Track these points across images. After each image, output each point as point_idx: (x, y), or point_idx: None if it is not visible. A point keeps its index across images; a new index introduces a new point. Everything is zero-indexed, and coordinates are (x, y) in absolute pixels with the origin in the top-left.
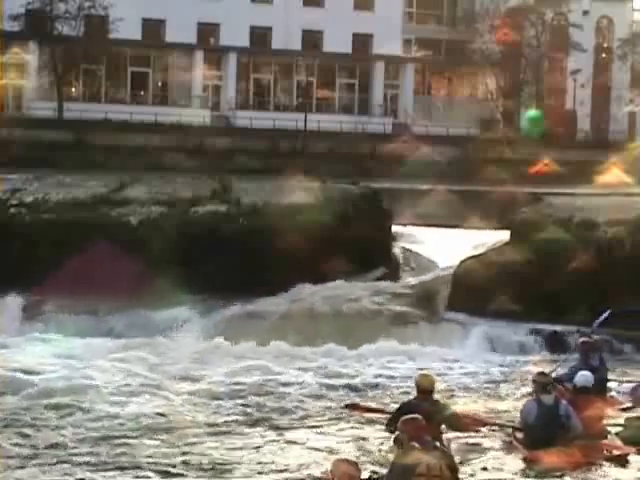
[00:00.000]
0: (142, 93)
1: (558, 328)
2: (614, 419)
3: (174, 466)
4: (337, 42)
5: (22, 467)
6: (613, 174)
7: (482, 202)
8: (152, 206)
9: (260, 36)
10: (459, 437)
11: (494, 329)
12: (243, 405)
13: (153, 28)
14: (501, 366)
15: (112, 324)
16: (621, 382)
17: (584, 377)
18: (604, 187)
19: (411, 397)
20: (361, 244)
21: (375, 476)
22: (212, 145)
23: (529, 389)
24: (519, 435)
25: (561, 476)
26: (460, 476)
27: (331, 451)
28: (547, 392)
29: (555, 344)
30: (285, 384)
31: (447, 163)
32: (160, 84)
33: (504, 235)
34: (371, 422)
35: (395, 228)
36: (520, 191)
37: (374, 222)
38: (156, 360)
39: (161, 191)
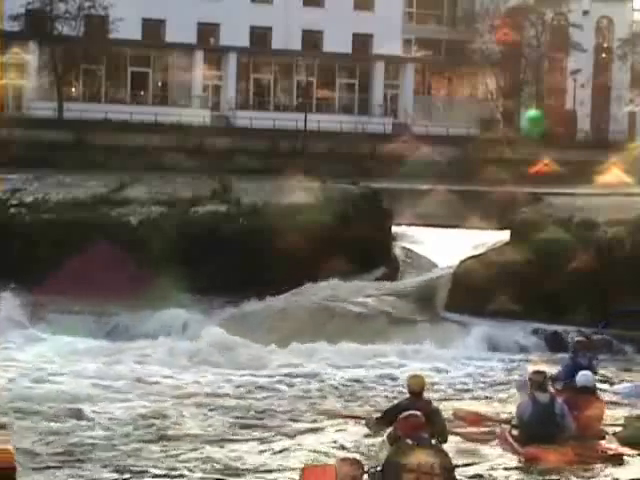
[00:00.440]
0: (142, 93)
1: (558, 328)
2: (613, 419)
3: (175, 468)
4: (337, 42)
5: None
6: (613, 174)
7: (482, 202)
8: (152, 206)
9: (260, 36)
10: (455, 434)
11: (494, 329)
12: (243, 405)
13: (153, 28)
14: (500, 366)
15: (112, 324)
16: (612, 384)
17: (585, 377)
18: (604, 187)
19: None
20: (361, 244)
21: (373, 470)
22: (212, 145)
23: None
24: (515, 432)
25: (553, 474)
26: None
27: (326, 452)
28: (542, 390)
29: (555, 344)
30: (284, 384)
31: (447, 163)
32: (160, 84)
33: (504, 235)
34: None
35: (395, 228)
36: (520, 191)
37: (374, 222)
38: (156, 360)
39: (161, 191)
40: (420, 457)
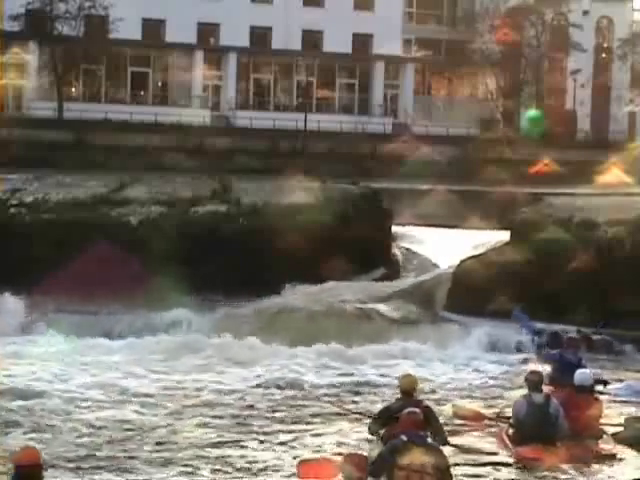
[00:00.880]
0: (142, 93)
1: (558, 328)
2: (612, 419)
3: (178, 467)
4: (337, 42)
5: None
6: (613, 174)
7: (482, 202)
8: (152, 206)
9: (260, 36)
10: (451, 433)
11: (494, 329)
12: (242, 404)
13: (153, 28)
14: (500, 366)
15: (112, 324)
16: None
17: (582, 376)
18: (604, 187)
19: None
20: (361, 244)
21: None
22: (212, 145)
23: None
24: (510, 431)
25: (548, 474)
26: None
27: (328, 450)
28: (538, 390)
29: (555, 344)
30: (284, 384)
31: (447, 163)
32: (160, 84)
33: (504, 235)
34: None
35: (395, 228)
36: (520, 191)
37: (374, 222)
38: (156, 360)
39: (161, 191)
40: (412, 455)
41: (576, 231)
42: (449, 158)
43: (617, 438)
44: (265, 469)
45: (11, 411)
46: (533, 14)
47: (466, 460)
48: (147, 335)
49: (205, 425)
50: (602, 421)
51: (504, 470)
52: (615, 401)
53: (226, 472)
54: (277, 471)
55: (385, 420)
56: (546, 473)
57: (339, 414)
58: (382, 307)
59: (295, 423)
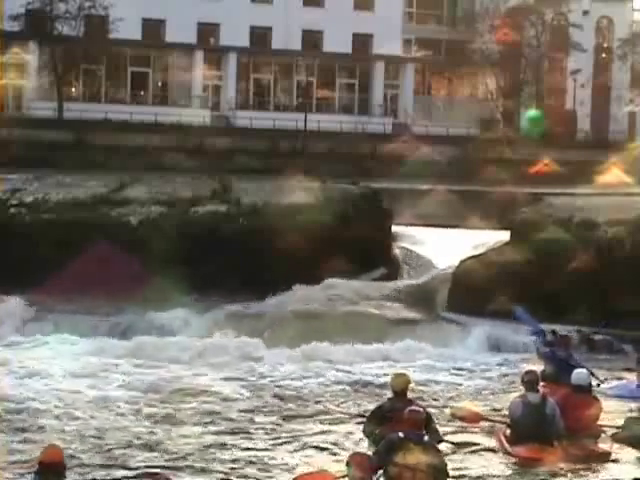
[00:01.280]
0: (142, 93)
1: (558, 328)
2: (611, 419)
3: (176, 469)
4: (337, 42)
5: (21, 470)
6: (613, 174)
7: (482, 202)
8: (152, 206)
9: (260, 36)
10: (450, 433)
11: (494, 329)
12: (242, 405)
13: (153, 28)
14: (500, 366)
15: (112, 324)
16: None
17: (580, 375)
18: (604, 187)
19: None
20: (361, 244)
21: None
22: (212, 145)
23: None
24: (507, 432)
25: (544, 473)
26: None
27: (330, 450)
28: (534, 390)
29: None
30: (284, 384)
31: (447, 163)
32: (160, 84)
33: (504, 235)
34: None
35: (395, 228)
36: (520, 191)
37: (374, 222)
38: (156, 360)
39: (161, 191)
40: (407, 452)
41: (576, 231)
42: (449, 158)
43: (616, 438)
44: (264, 469)
45: (9, 412)
46: (533, 14)
47: (463, 460)
48: (147, 335)
49: (204, 426)
50: (601, 421)
51: (501, 470)
52: (615, 401)
53: (225, 472)
54: (277, 471)
55: (379, 420)
56: (543, 473)
57: (337, 415)
58: (382, 307)
59: (294, 424)
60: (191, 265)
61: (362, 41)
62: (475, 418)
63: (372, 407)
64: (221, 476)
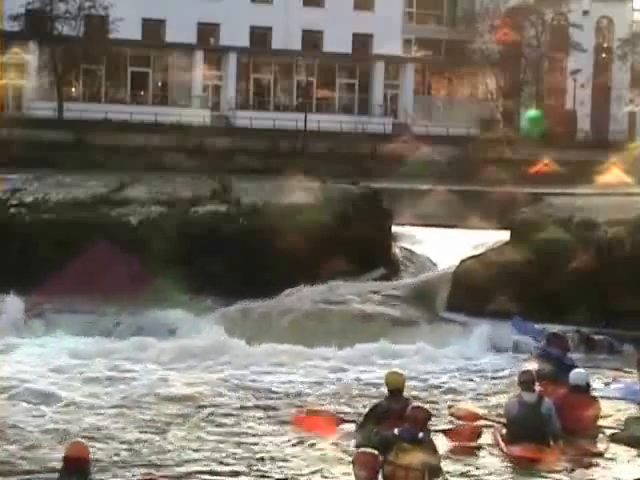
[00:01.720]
0: (142, 93)
1: (558, 328)
2: (611, 419)
3: (178, 465)
4: (337, 42)
5: (21, 470)
6: (613, 174)
7: (482, 202)
8: (152, 206)
9: (260, 36)
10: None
11: (494, 329)
12: (243, 405)
13: (153, 28)
14: (500, 366)
15: (112, 324)
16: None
17: (578, 375)
18: (604, 187)
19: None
20: (361, 244)
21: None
22: (212, 145)
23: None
24: (504, 431)
25: (541, 473)
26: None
27: (330, 450)
28: (530, 390)
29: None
30: (284, 384)
31: (447, 163)
32: (160, 84)
33: (504, 235)
34: None
35: (395, 228)
36: (520, 191)
37: (374, 222)
38: (155, 360)
39: (161, 191)
40: (400, 451)
41: (576, 231)
42: (449, 158)
43: (616, 438)
44: (263, 470)
45: (11, 412)
46: (533, 14)
47: (460, 459)
48: (147, 335)
49: (204, 426)
50: (601, 421)
51: (497, 470)
52: (614, 401)
53: (224, 472)
54: (277, 471)
55: (376, 419)
56: (539, 473)
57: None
58: (382, 307)
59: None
60: (191, 265)
61: (362, 41)
62: (473, 417)
63: (370, 406)
64: (219, 475)
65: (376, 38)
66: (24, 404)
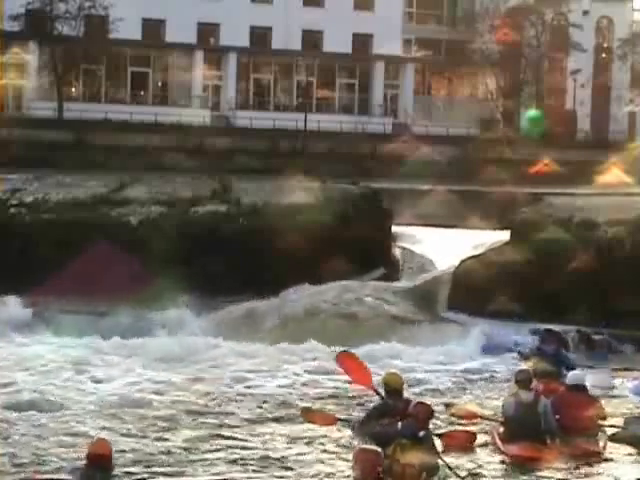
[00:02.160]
0: (142, 93)
1: (558, 328)
2: (611, 419)
3: (178, 464)
4: (337, 42)
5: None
6: (613, 174)
7: (482, 202)
8: (152, 206)
9: (260, 36)
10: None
11: (494, 329)
12: (243, 405)
13: (153, 28)
14: (500, 366)
15: (112, 324)
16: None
17: (576, 376)
18: (604, 187)
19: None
20: (361, 244)
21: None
22: (212, 145)
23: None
24: (501, 430)
25: (538, 472)
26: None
27: (329, 450)
28: (527, 389)
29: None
30: (284, 384)
31: (447, 163)
32: (160, 84)
33: (504, 235)
34: None
35: (395, 228)
36: (520, 191)
37: (374, 222)
38: (156, 360)
39: (161, 191)
40: (399, 447)
41: (576, 231)
42: (449, 158)
43: (616, 438)
44: (264, 469)
45: (11, 412)
46: (533, 14)
47: (458, 457)
48: (147, 335)
49: (203, 426)
50: (601, 421)
51: (494, 468)
52: (614, 401)
53: (225, 472)
54: (276, 471)
55: (377, 419)
56: (536, 472)
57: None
58: (382, 307)
59: (294, 424)
60: (191, 265)
61: (362, 41)
62: (472, 417)
63: (370, 407)
64: (220, 477)
65: (376, 38)
66: (22, 404)
